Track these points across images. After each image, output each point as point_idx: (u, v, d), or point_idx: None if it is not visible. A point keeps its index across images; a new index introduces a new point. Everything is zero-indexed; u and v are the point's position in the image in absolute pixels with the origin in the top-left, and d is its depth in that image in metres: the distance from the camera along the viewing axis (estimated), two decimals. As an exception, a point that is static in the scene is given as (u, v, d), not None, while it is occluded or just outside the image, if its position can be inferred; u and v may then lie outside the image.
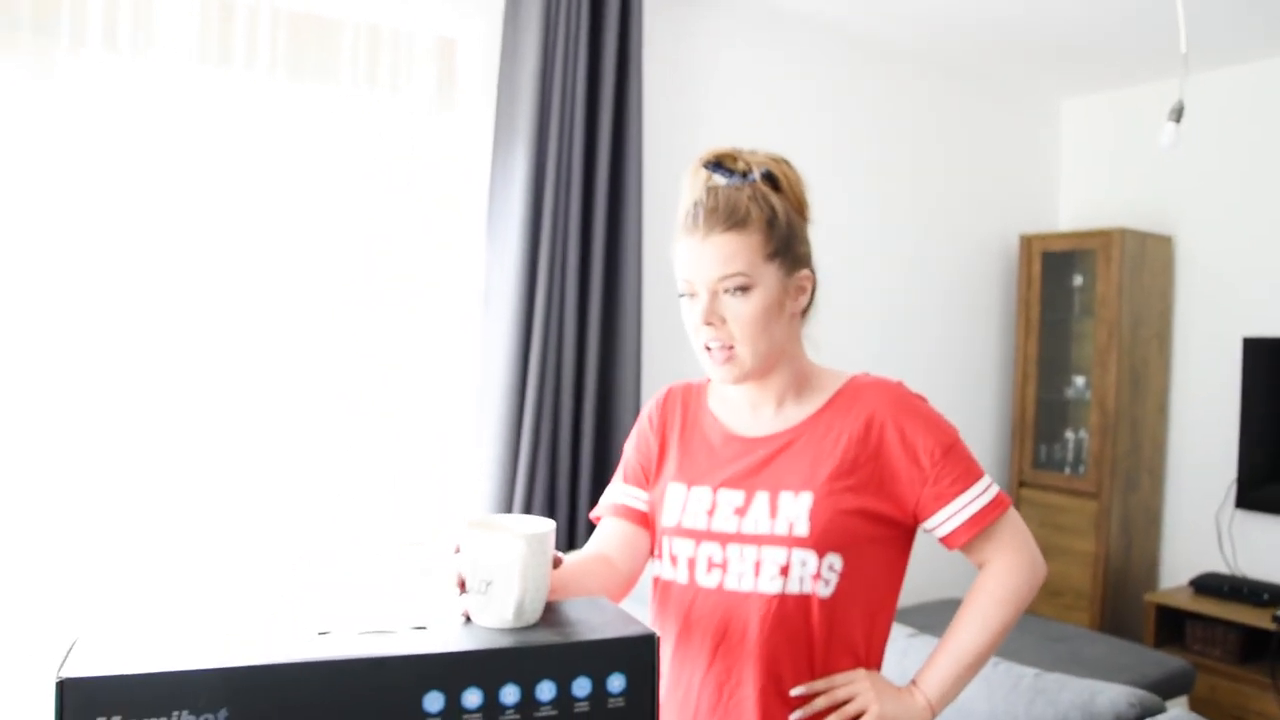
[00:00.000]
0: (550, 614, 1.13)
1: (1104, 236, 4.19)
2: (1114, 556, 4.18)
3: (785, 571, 1.30)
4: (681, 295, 1.37)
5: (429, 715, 0.96)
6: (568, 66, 3.07)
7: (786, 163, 1.41)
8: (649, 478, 1.49)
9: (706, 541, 1.36)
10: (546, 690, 1.00)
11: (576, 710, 1.01)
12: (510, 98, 3.06)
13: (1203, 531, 4.24)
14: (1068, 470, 4.39)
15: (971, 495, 1.33)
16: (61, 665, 0.90)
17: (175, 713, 0.89)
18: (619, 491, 1.51)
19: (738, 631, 1.32)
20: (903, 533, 1.38)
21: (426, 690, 0.96)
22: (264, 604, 2.81)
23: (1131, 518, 4.26)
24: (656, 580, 1.44)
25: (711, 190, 1.36)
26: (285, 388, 2.88)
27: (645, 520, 1.47)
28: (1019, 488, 4.47)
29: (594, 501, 3.13)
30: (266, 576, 2.84)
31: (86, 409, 2.61)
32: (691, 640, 1.36)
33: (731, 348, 1.33)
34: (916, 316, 4.33)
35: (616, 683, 1.03)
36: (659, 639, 1.07)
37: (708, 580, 1.35)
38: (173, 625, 1.02)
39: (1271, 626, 3.59)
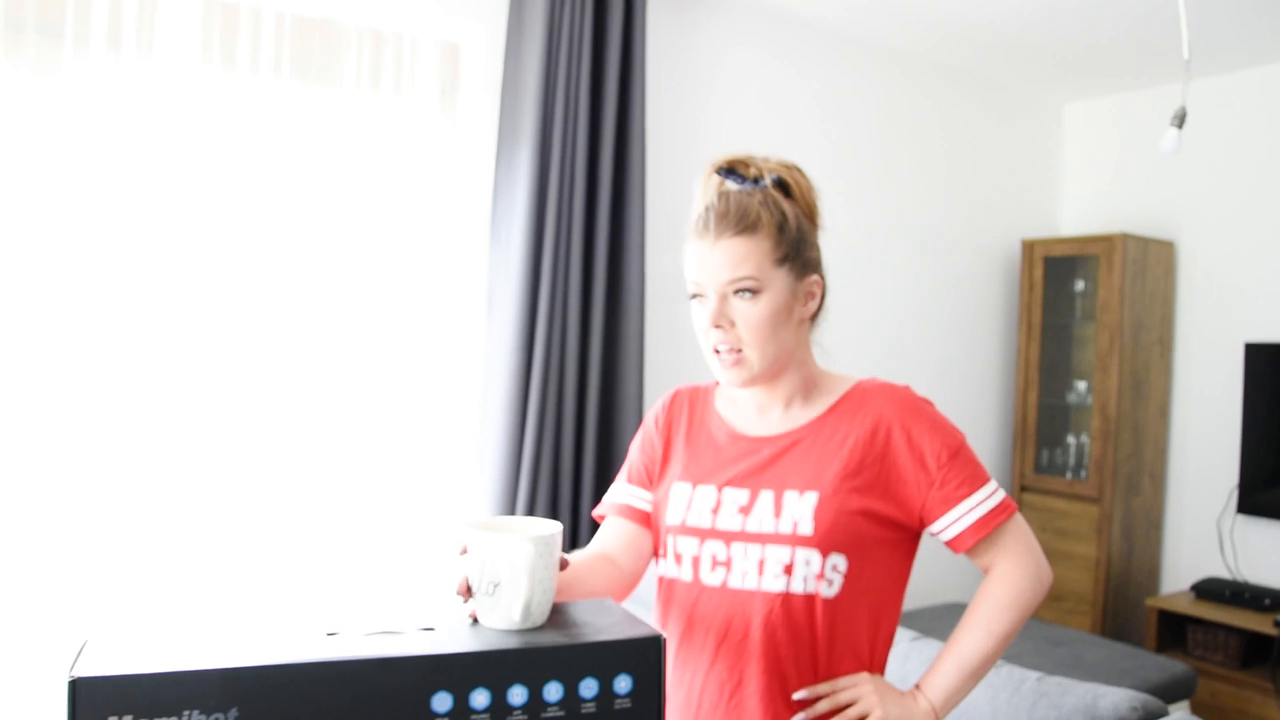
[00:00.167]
0: (557, 615, 1.13)
1: (1106, 242, 4.19)
2: (1115, 561, 4.18)
3: (789, 570, 1.30)
4: (692, 298, 1.37)
5: (437, 715, 0.97)
6: (571, 70, 3.07)
7: (798, 169, 1.42)
8: (652, 478, 1.50)
9: (711, 539, 1.36)
10: (554, 691, 1.01)
11: (583, 711, 1.02)
12: (514, 101, 3.07)
13: (1204, 536, 4.24)
14: (1069, 475, 4.39)
15: (978, 499, 1.33)
16: (73, 665, 0.90)
17: (186, 712, 0.90)
18: (622, 491, 1.52)
19: (741, 630, 1.32)
20: (908, 536, 1.38)
21: (435, 691, 0.97)
22: (272, 605, 2.82)
23: (1133, 522, 4.26)
24: (661, 579, 1.44)
25: (723, 195, 1.37)
26: (289, 390, 2.88)
27: (648, 520, 1.48)
28: (1020, 492, 4.47)
29: (597, 503, 3.13)
30: (274, 578, 2.85)
31: (95, 411, 2.61)
32: (694, 638, 1.37)
33: (740, 351, 1.34)
34: (918, 321, 4.33)
35: (623, 684, 1.04)
36: (665, 641, 1.07)
37: (712, 578, 1.36)
38: (183, 626, 1.03)
39: (1273, 631, 3.59)
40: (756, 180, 1.39)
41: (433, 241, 3.10)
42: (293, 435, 2.90)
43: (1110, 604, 4.17)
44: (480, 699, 0.98)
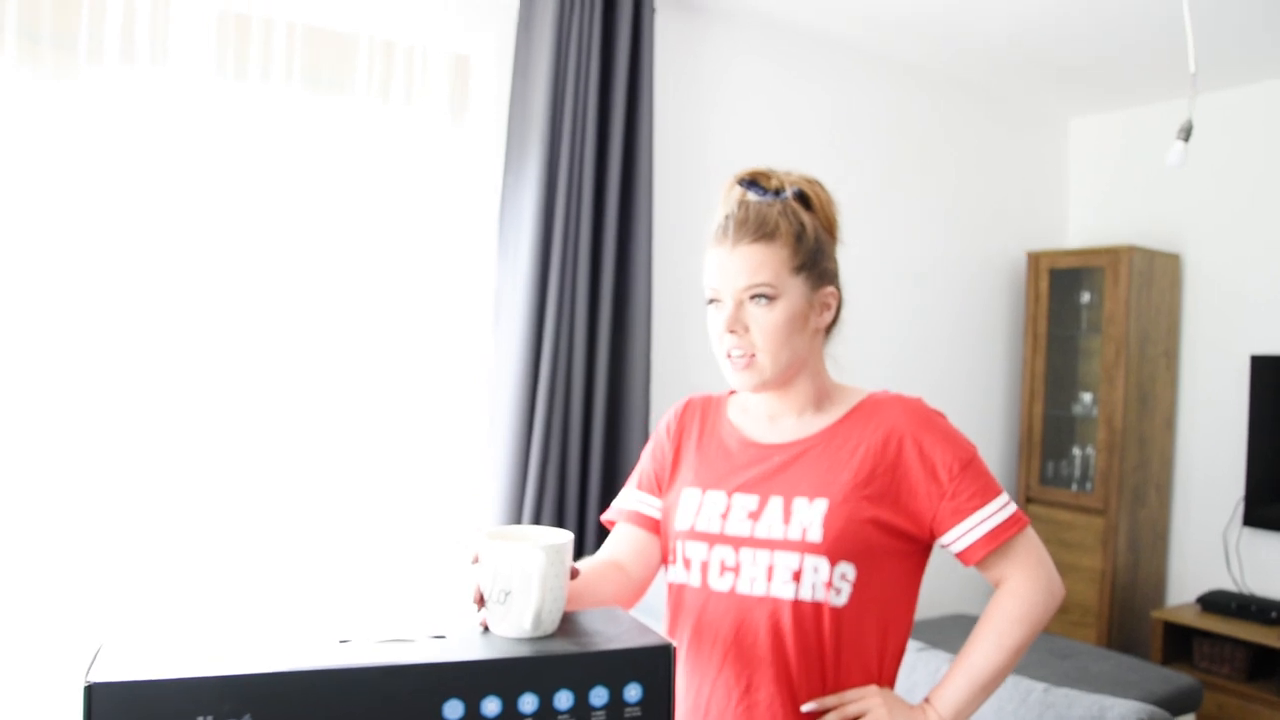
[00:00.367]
0: (567, 624, 1.14)
1: (1112, 254, 4.20)
2: (1121, 573, 4.18)
3: (797, 577, 1.31)
4: (708, 303, 1.39)
5: (448, 723, 0.97)
6: (579, 81, 3.09)
7: (819, 184, 1.44)
8: (662, 485, 1.50)
9: (720, 545, 1.37)
10: (564, 699, 1.01)
11: (594, 719, 1.02)
12: (522, 112, 3.08)
13: (1210, 548, 4.24)
14: (1075, 487, 4.39)
15: (989, 511, 1.33)
16: (89, 670, 0.91)
17: (199, 717, 0.91)
18: (632, 497, 1.53)
19: (749, 636, 1.33)
20: (918, 549, 1.38)
21: (446, 698, 0.98)
22: (285, 612, 2.83)
23: (1139, 534, 4.26)
24: (670, 585, 1.45)
25: (743, 204, 1.39)
26: (299, 398, 2.90)
27: (657, 527, 1.48)
28: (1026, 504, 4.47)
29: (602, 511, 3.14)
30: (285, 585, 2.86)
31: (113, 420, 2.64)
32: (702, 644, 1.37)
33: (753, 355, 1.35)
34: (924, 333, 4.34)
35: (633, 692, 1.05)
36: (676, 649, 1.08)
37: (720, 584, 1.36)
38: (197, 631, 1.04)
39: (1279, 644, 3.58)
40: (778, 192, 1.40)
41: (441, 250, 3.12)
42: (303, 442, 2.91)
43: (1116, 616, 4.17)
44: (491, 707, 0.99)
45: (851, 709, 1.31)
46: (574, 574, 1.22)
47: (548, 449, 3.05)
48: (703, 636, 1.37)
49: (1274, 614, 3.74)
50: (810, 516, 1.32)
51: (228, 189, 2.76)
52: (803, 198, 1.40)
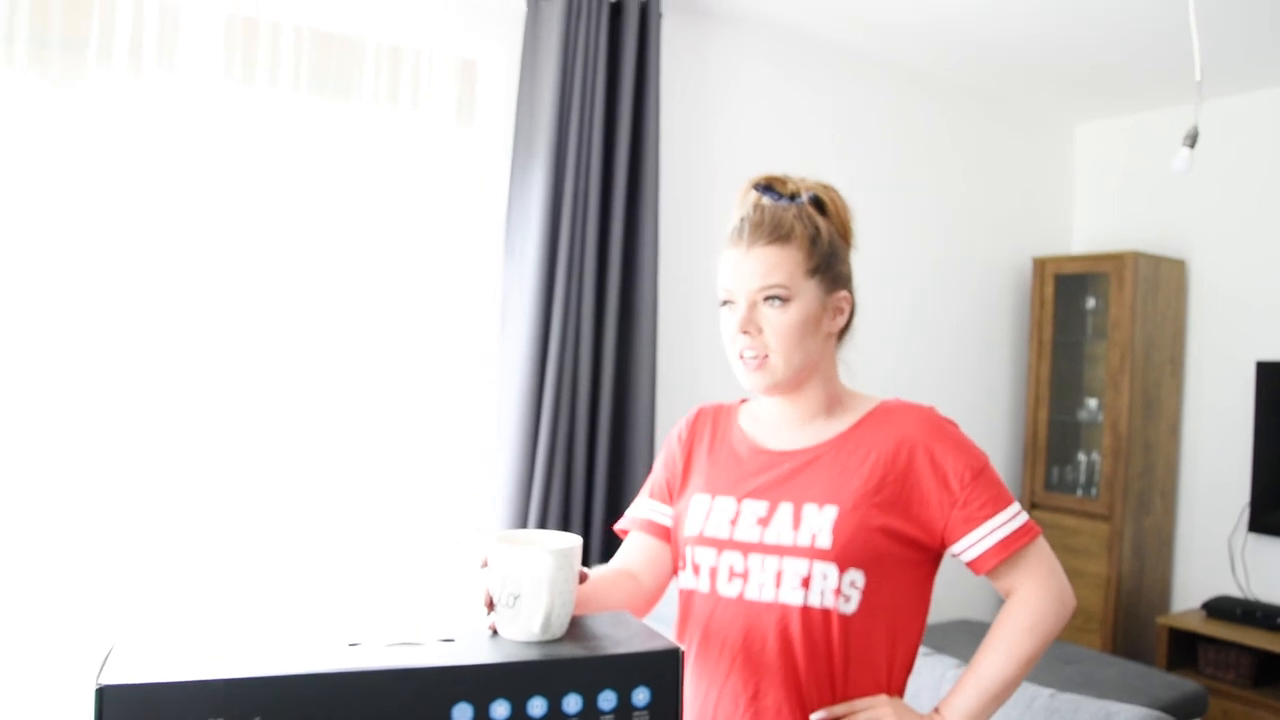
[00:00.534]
0: (576, 628, 1.15)
1: (1117, 260, 4.20)
2: (1126, 579, 4.17)
3: (806, 583, 1.30)
4: (722, 305, 1.39)
5: (457, 727, 0.98)
6: (585, 86, 3.10)
7: (834, 190, 1.44)
8: (673, 493, 1.50)
9: (728, 550, 1.36)
10: (573, 703, 1.02)
11: (602, 723, 1.03)
12: (529, 117, 3.09)
13: (1215, 554, 4.23)
14: (1079, 492, 4.38)
15: (1000, 520, 1.32)
16: (100, 672, 0.92)
17: (210, 719, 0.91)
18: (644, 506, 1.53)
19: (757, 642, 1.32)
20: (928, 557, 1.38)
21: (455, 702, 0.98)
22: (294, 616, 2.84)
23: (1144, 540, 4.25)
24: (680, 591, 1.45)
25: (758, 207, 1.39)
26: (308, 402, 2.91)
27: (669, 536, 1.49)
28: (1031, 509, 4.46)
29: (608, 516, 3.15)
30: (294, 587, 2.86)
31: (125, 424, 2.65)
32: (711, 649, 1.37)
33: (766, 356, 1.35)
34: (929, 338, 4.34)
35: (641, 696, 1.05)
36: (684, 653, 1.08)
37: (729, 590, 1.36)
38: (207, 634, 1.04)
39: (1285, 651, 3.58)
40: (793, 197, 1.41)
41: (448, 255, 3.12)
42: (311, 446, 2.92)
43: (1121, 622, 4.16)
44: (500, 710, 0.99)
45: (861, 717, 1.30)
46: (582, 578, 1.23)
47: (553, 453, 3.06)
48: (711, 642, 1.37)
49: (1279, 620, 3.74)
50: (820, 523, 1.31)
51: (235, 193, 2.77)
52: (818, 203, 1.41)
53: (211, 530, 2.76)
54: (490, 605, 1.13)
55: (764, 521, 1.35)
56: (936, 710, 1.34)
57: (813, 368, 1.39)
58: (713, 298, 1.44)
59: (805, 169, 1.52)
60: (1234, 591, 4.11)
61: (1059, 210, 4.88)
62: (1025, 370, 4.68)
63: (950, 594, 4.10)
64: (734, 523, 1.38)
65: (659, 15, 3.25)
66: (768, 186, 1.42)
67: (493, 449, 3.11)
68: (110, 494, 2.63)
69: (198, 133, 2.70)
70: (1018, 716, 2.13)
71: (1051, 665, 3.36)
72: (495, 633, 1.12)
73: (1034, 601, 1.33)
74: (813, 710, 1.32)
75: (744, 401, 1.54)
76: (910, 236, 4.25)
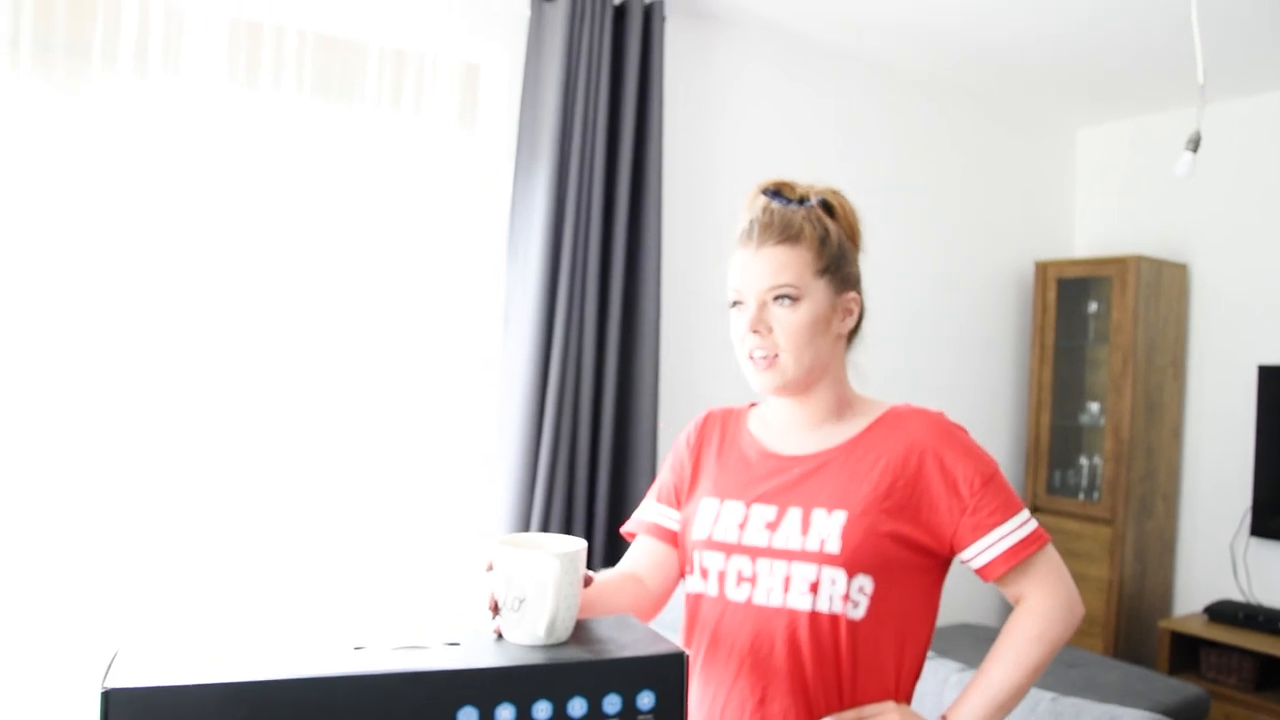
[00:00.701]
0: (581, 632, 1.14)
1: (1119, 264, 4.20)
2: (1128, 583, 4.17)
3: (815, 588, 1.30)
4: (732, 305, 1.40)
5: (463, 730, 0.98)
6: (589, 90, 3.10)
7: (843, 194, 1.45)
8: (681, 497, 1.50)
9: (737, 555, 1.36)
10: (578, 707, 1.02)
11: (607, 726, 1.03)
12: (532, 120, 3.10)
13: (1217, 558, 4.23)
14: (1082, 496, 4.38)
15: (1010, 527, 1.32)
16: (106, 675, 0.92)
17: (215, 723, 0.92)
18: (651, 510, 1.53)
19: (765, 647, 1.32)
20: (937, 564, 1.37)
21: (460, 705, 0.98)
22: (300, 618, 2.84)
23: (1146, 544, 4.25)
24: (688, 595, 1.44)
25: (768, 210, 1.40)
26: (312, 404, 2.91)
27: (676, 540, 1.48)
28: (1033, 513, 4.44)
29: (611, 519, 3.15)
30: (298, 590, 2.87)
31: (129, 426, 2.65)
32: (719, 654, 1.36)
33: (775, 356, 1.35)
34: (932, 342, 4.34)
35: (646, 700, 1.05)
36: (689, 657, 1.08)
37: (737, 594, 1.35)
38: (213, 637, 1.04)
39: (1287, 655, 3.58)
40: (802, 201, 1.41)
41: (451, 258, 3.12)
42: (316, 448, 2.92)
43: (1123, 626, 4.16)
44: (505, 714, 0.99)
45: None
46: (588, 582, 1.22)
47: (556, 456, 3.06)
48: (719, 647, 1.36)
49: (1282, 624, 3.74)
50: (829, 528, 1.31)
51: (238, 197, 2.78)
52: (827, 206, 1.42)
53: (217, 533, 2.77)
54: (495, 609, 1.13)
55: (772, 526, 1.35)
56: (944, 718, 1.33)
57: (823, 368, 1.39)
58: (716, 300, 1.45)
59: (808, 172, 1.53)
60: (1236, 595, 4.11)
61: (1061, 214, 4.88)
62: (1027, 374, 4.68)
63: (953, 598, 4.08)
64: (742, 527, 1.37)
65: (662, 19, 3.26)
66: (776, 192, 1.42)
67: (495, 452, 3.11)
68: (117, 499, 2.64)
69: (201, 136, 2.71)
70: (1021, 720, 2.13)
71: (1054, 669, 3.35)
72: (500, 636, 1.12)
73: (1042, 610, 1.32)
74: (820, 715, 1.31)
75: (753, 405, 1.54)
76: (912, 240, 4.25)
